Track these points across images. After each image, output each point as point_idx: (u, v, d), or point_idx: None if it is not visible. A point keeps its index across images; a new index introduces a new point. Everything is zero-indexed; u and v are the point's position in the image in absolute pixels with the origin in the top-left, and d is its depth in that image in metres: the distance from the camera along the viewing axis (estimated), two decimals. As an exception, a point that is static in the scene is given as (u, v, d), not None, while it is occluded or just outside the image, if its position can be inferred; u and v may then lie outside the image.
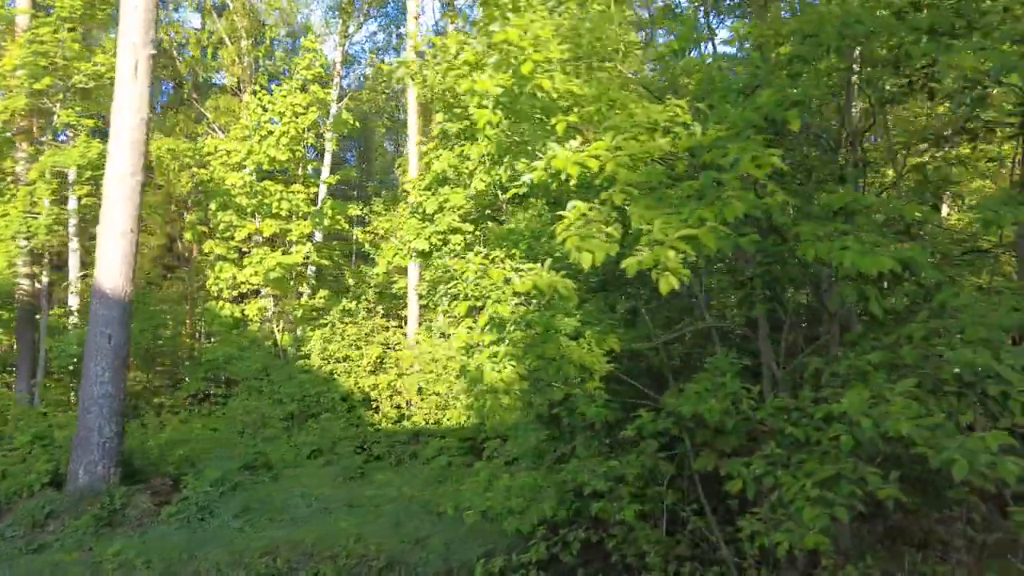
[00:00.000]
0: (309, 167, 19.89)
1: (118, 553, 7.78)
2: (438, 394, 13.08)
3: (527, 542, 7.55)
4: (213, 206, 17.92)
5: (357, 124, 19.75)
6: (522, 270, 5.07)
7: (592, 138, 4.02)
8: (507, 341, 5.84)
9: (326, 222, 17.80)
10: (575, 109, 4.05)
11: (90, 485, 9.17)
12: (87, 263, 17.35)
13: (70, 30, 14.81)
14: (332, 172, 20.42)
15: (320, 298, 18.59)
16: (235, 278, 17.73)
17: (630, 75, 5.28)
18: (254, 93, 19.24)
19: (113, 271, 9.54)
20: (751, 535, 5.25)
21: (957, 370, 4.20)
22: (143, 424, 14.33)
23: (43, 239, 14.22)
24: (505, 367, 5.74)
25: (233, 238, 18.07)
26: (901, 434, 3.93)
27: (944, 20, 3.86)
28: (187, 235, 20.10)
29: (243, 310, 18.31)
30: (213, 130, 21.98)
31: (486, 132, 4.65)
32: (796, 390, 5.74)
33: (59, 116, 14.94)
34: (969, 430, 4.22)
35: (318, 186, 20.11)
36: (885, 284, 4.53)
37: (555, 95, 3.98)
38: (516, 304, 5.74)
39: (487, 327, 5.82)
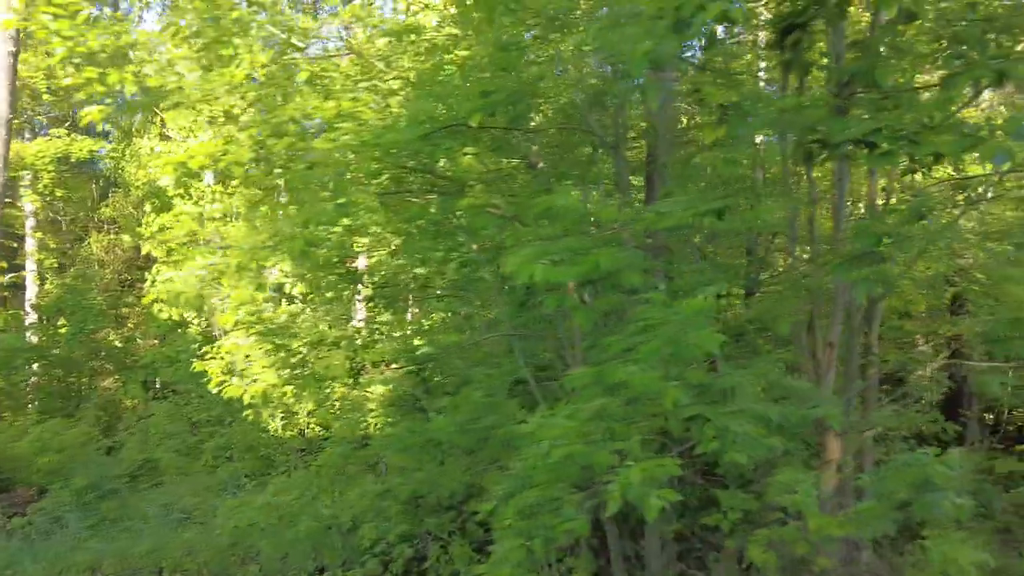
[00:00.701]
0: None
1: (-62, 568, 7.57)
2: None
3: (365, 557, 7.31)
4: (148, 207, 17.77)
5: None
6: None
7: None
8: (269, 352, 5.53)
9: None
10: (197, 104, 3.73)
11: (-60, 495, 8.99)
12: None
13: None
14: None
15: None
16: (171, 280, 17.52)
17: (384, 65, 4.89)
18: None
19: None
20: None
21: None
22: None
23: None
24: (261, 378, 5.44)
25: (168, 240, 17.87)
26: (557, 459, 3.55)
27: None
28: (125, 237, 20.07)
29: (181, 313, 18.12)
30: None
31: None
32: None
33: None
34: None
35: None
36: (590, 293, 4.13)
37: (133, 87, 3.67)
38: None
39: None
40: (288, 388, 5.70)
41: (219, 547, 8.05)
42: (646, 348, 3.65)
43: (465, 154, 3.92)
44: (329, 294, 5.73)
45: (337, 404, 5.56)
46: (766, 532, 3.93)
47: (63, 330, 18.34)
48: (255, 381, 5.42)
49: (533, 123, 6.12)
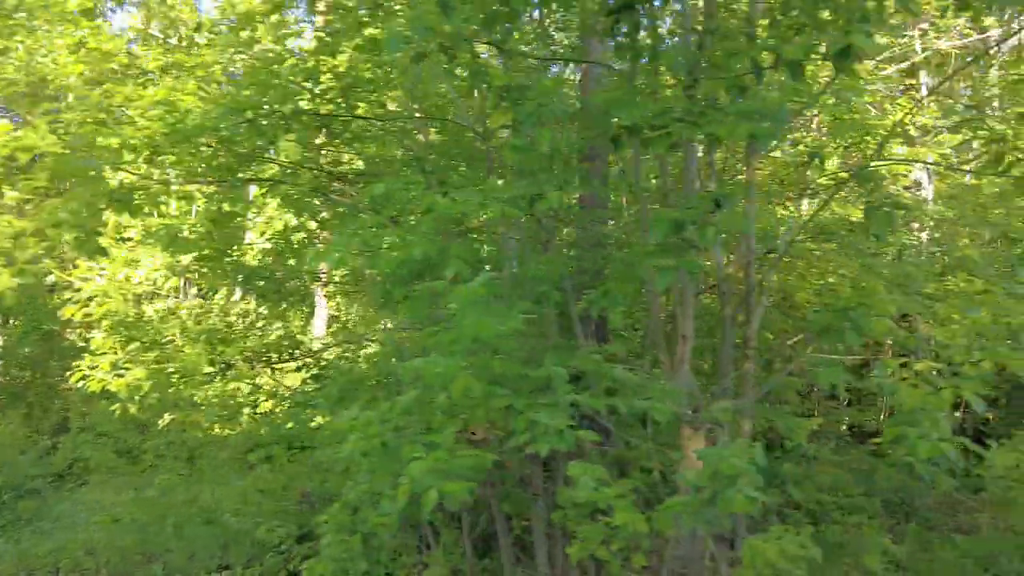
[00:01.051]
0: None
1: None
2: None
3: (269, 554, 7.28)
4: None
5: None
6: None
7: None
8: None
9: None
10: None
11: None
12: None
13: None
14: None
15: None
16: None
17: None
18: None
19: None
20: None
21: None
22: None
23: None
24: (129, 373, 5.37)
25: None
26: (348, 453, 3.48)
27: None
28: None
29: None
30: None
31: None
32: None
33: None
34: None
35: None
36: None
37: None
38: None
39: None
40: (172, 382, 5.62)
41: (122, 546, 7.95)
42: (437, 338, 3.58)
43: (287, 140, 3.85)
44: (207, 285, 5.63)
45: (201, 399, 5.48)
46: (585, 529, 3.85)
47: (18, 329, 18.19)
48: (120, 375, 5.35)
49: (419, 112, 6.06)
